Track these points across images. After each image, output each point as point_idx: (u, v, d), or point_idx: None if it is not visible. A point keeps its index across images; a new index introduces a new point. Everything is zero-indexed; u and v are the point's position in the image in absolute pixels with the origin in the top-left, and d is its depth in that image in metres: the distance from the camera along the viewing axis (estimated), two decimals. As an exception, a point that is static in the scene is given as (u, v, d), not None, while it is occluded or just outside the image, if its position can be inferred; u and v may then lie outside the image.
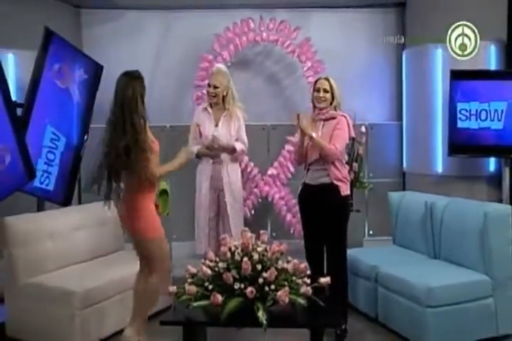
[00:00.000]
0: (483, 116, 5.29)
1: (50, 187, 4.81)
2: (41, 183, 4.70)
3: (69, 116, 4.93)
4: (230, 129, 4.70)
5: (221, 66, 4.97)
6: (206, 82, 4.96)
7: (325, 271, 4.13)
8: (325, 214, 4.09)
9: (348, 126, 4.10)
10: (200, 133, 4.69)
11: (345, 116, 4.12)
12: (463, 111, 5.32)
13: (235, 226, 4.67)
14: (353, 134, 4.17)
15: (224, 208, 4.73)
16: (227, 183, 4.71)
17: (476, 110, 5.30)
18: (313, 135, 3.99)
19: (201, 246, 4.68)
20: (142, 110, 3.43)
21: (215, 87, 4.69)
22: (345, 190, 4.09)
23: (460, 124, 5.35)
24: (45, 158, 4.71)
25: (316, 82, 4.19)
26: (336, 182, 4.05)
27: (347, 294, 4.18)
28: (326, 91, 4.10)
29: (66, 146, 4.89)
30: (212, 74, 4.85)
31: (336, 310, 3.22)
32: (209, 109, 4.77)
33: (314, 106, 4.18)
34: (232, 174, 4.74)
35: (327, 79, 4.15)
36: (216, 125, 4.71)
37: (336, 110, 4.14)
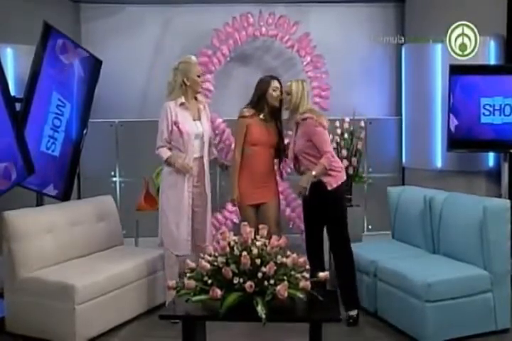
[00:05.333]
0: (507, 111, 5.27)
1: (56, 154, 4.82)
2: (47, 149, 4.72)
3: (72, 87, 4.95)
4: (208, 123, 4.51)
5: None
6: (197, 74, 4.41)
7: (325, 265, 4.38)
8: (319, 210, 4.23)
9: (318, 123, 4.17)
10: (180, 131, 4.28)
11: (309, 117, 4.20)
12: (487, 106, 5.28)
13: (209, 221, 4.50)
14: (324, 124, 4.20)
15: (199, 205, 4.41)
16: (207, 179, 4.44)
17: (500, 105, 5.26)
18: (313, 173, 4.10)
19: (183, 247, 4.32)
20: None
21: (199, 76, 4.44)
22: (333, 182, 4.15)
23: (484, 120, 5.29)
24: (51, 124, 4.73)
25: None
26: (320, 177, 4.13)
27: (355, 278, 4.27)
28: (288, 93, 4.34)
29: (71, 114, 4.92)
30: (192, 64, 4.39)
31: (335, 304, 3.22)
32: (187, 104, 4.35)
33: None
34: (208, 170, 4.48)
35: (290, 81, 4.38)
36: (194, 119, 4.37)
37: (300, 111, 4.26)
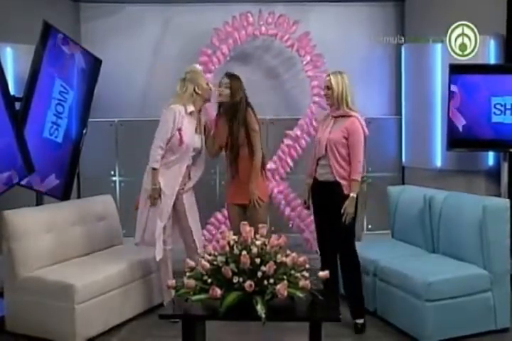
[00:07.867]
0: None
1: (59, 140, 4.85)
2: (51, 135, 4.75)
3: (74, 76, 4.97)
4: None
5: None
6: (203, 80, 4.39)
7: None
8: (330, 211, 4.06)
9: (362, 127, 4.02)
10: (181, 141, 4.19)
11: (355, 116, 4.02)
12: (497, 106, 5.25)
13: (196, 228, 4.42)
14: (367, 132, 4.05)
15: (181, 211, 4.36)
16: (192, 185, 4.42)
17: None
18: (352, 195, 3.95)
19: (157, 252, 4.22)
20: None
21: (207, 84, 4.38)
22: (349, 188, 3.98)
23: (495, 119, 5.26)
24: (54, 109, 4.76)
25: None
26: (339, 180, 3.98)
27: (361, 288, 4.15)
28: (328, 88, 4.07)
29: (73, 102, 4.96)
30: (199, 72, 4.37)
31: (335, 304, 3.21)
32: (194, 115, 4.29)
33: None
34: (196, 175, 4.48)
35: (328, 75, 4.12)
36: (195, 132, 4.31)
37: (347, 106, 4.03)
